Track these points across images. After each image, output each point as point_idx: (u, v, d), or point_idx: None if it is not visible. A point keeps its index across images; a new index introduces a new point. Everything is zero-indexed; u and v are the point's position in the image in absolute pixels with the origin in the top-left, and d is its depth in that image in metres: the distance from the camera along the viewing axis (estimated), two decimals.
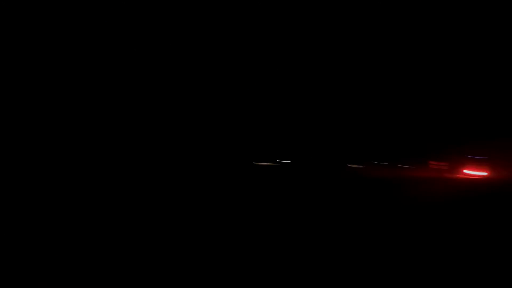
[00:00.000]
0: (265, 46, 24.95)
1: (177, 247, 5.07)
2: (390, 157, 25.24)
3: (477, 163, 18.86)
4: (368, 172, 24.44)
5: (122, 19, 22.38)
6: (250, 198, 10.61)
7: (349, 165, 26.24)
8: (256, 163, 25.07)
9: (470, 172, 18.93)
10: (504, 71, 21.20)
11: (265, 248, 4.80)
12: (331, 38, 24.70)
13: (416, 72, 23.89)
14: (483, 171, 18.29)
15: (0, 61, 20.04)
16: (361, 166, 26.26)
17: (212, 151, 23.48)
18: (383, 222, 6.82)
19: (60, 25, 21.47)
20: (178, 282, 3.79)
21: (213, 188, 13.76)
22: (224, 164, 22.76)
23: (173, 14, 23.11)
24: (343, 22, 23.90)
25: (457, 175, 19.05)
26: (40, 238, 6.31)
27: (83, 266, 4.50)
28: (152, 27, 22.94)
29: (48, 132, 21.04)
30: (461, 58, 22.48)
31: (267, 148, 25.76)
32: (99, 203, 10.75)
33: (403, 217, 7.16)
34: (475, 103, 21.82)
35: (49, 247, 5.68)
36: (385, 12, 22.84)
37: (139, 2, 22.56)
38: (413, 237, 5.43)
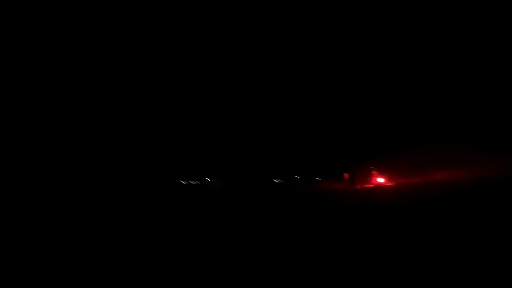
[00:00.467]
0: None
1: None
2: (310, 171, 27.01)
3: (377, 172, 20.84)
4: (292, 186, 26.02)
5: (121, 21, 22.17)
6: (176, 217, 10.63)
7: (274, 180, 27.76)
8: (183, 181, 25.80)
9: (377, 180, 20.78)
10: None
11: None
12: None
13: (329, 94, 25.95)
14: (380, 179, 20.30)
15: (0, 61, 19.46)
16: (284, 181, 27.88)
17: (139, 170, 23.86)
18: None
19: (60, 26, 21.07)
20: None
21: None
22: (152, 183, 23.19)
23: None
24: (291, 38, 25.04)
25: (365, 185, 20.78)
26: (40, 238, 6.51)
27: (83, 267, 4.63)
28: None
29: (47, 133, 20.54)
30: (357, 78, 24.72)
31: (194, 165, 26.56)
32: (98, 204, 10.68)
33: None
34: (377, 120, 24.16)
35: (49, 247, 5.80)
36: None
37: (140, 3, 22.42)
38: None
